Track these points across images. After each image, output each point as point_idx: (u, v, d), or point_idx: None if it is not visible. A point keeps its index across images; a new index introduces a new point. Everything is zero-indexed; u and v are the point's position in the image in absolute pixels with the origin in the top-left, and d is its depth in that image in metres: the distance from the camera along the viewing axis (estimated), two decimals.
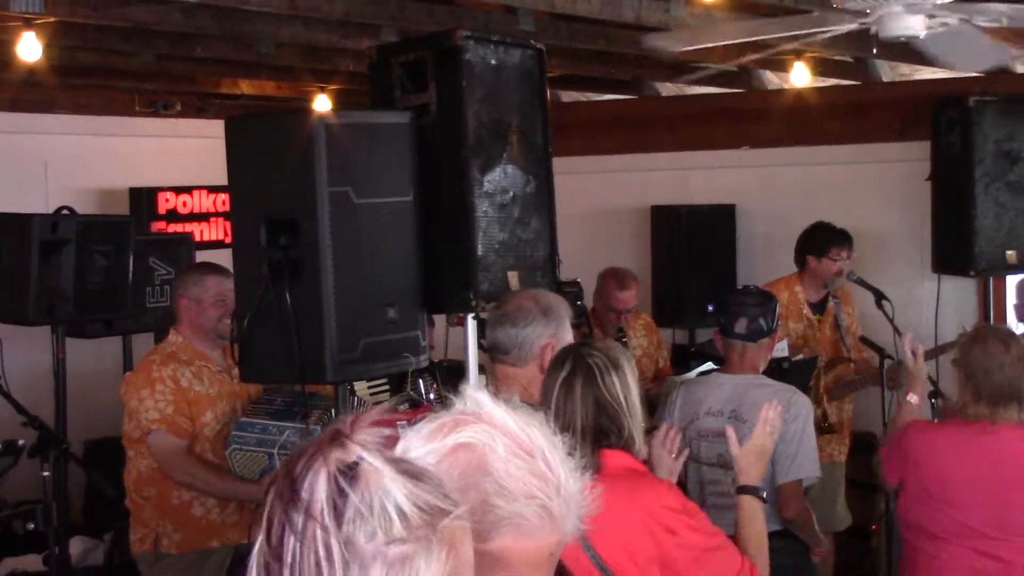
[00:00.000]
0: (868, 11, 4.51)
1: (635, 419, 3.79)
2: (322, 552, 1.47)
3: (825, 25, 5.01)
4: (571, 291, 6.50)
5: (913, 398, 5.38)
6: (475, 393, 1.88)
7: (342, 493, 1.49)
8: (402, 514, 1.49)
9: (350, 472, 1.50)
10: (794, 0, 6.09)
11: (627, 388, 3.79)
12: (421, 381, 5.92)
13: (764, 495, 4.16)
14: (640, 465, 3.81)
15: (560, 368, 3.82)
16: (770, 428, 4.25)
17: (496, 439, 1.80)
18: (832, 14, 4.83)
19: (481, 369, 5.29)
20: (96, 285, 6.87)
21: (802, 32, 5.22)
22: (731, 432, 4.30)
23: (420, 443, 1.82)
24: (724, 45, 6.18)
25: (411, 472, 1.53)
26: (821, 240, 7.96)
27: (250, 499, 5.46)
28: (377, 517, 1.48)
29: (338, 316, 4.74)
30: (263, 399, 5.60)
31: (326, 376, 4.84)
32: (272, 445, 5.28)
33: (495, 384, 4.38)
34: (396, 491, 1.49)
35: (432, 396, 5.91)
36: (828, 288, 7.77)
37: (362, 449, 1.52)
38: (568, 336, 4.34)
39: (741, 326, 5.24)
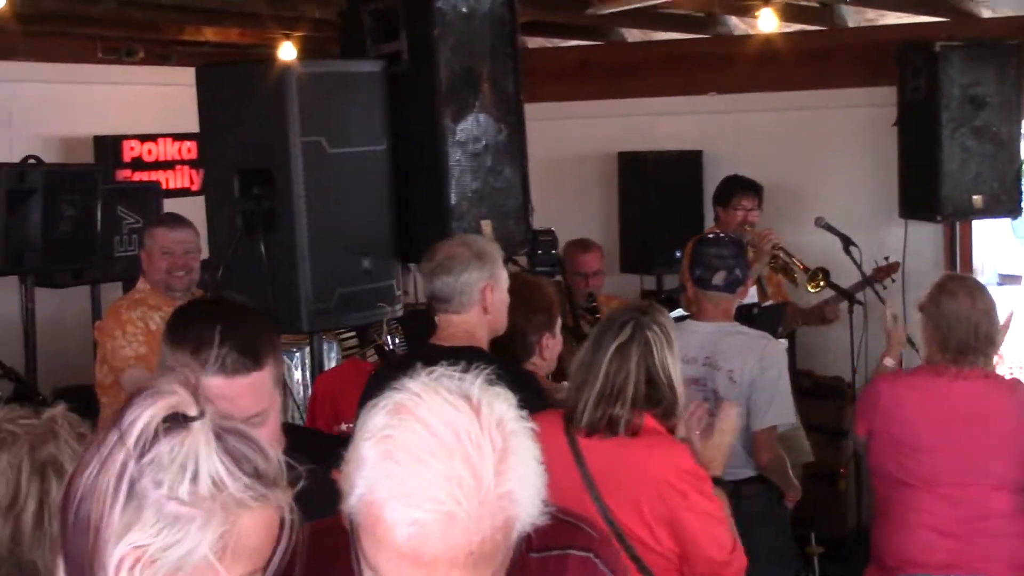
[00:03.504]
0: None
1: (677, 395, 3.89)
2: (113, 479, 1.53)
3: None
4: (545, 239, 6.51)
5: (889, 361, 5.44)
6: (413, 381, 1.83)
7: (156, 436, 1.54)
8: (195, 480, 1.53)
9: (175, 423, 1.55)
10: None
11: (676, 367, 3.90)
12: (387, 327, 5.92)
13: (727, 485, 4.24)
14: (659, 426, 3.87)
15: (618, 331, 3.89)
16: (728, 427, 4.29)
17: (412, 435, 1.76)
18: None
19: None
20: (64, 234, 6.85)
21: None
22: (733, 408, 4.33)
23: (370, 420, 1.82)
24: None
25: (232, 452, 1.57)
26: (726, 190, 8.02)
27: None
28: (172, 472, 1.53)
29: (313, 266, 4.74)
30: None
31: (302, 326, 4.85)
32: None
33: (438, 334, 4.39)
34: (203, 459, 1.53)
35: (398, 340, 5.92)
36: (746, 240, 7.64)
37: (197, 408, 1.57)
38: (503, 275, 4.39)
39: (719, 279, 5.23)
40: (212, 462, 1.54)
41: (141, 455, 1.53)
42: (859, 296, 7.67)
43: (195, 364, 2.76)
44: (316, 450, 2.92)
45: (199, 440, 1.54)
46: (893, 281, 7.87)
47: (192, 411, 1.56)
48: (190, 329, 2.83)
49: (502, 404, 1.83)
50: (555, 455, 3.80)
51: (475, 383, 1.84)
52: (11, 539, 2.24)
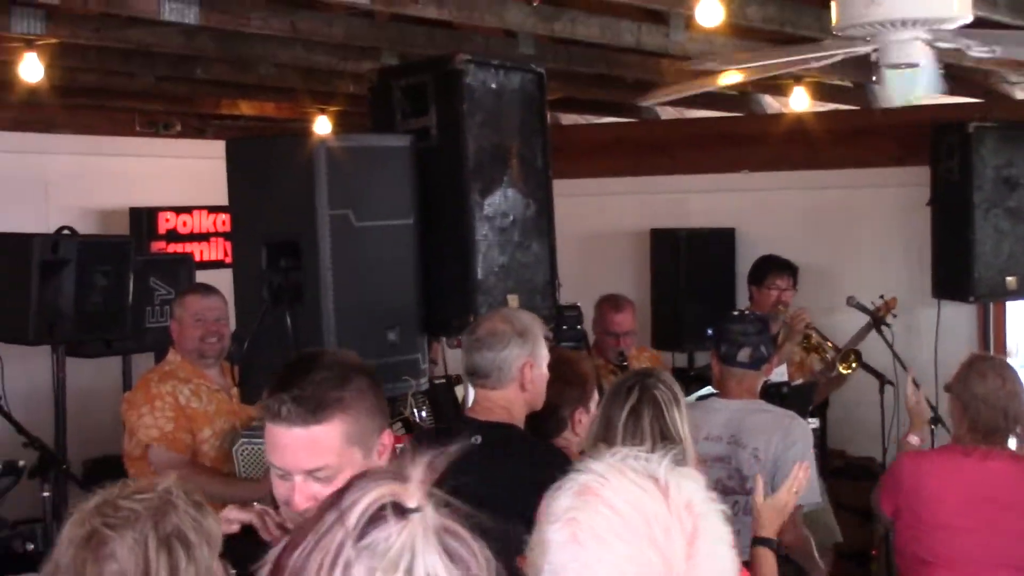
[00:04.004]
0: (869, 38, 4.52)
1: (689, 454, 3.91)
2: (328, 560, 1.46)
3: (826, 51, 5.02)
4: (571, 315, 6.50)
5: (914, 439, 5.41)
6: (597, 462, 1.77)
7: (374, 522, 1.47)
8: (409, 573, 1.45)
9: (396, 511, 1.48)
10: (794, 25, 6.10)
11: (685, 423, 3.90)
12: (414, 400, 5.91)
13: (777, 546, 4.23)
14: None
15: (627, 396, 3.91)
16: (796, 487, 4.32)
17: (598, 517, 1.70)
18: (833, 41, 4.83)
19: None
20: (96, 305, 6.88)
21: (803, 58, 5.23)
22: (759, 481, 4.37)
23: (554, 502, 1.76)
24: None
25: (449, 550, 1.49)
26: (761, 269, 8.01)
27: (256, 497, 5.44)
28: (386, 562, 1.45)
29: (339, 339, 4.74)
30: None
31: None
32: None
33: (474, 407, 4.40)
34: (420, 553, 1.46)
35: (424, 414, 5.91)
36: (779, 320, 7.65)
37: (424, 501, 1.50)
38: (544, 352, 4.37)
39: (744, 355, 5.23)
40: (429, 557, 1.46)
41: (358, 539, 1.46)
42: (891, 377, 7.63)
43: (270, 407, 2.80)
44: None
45: (417, 532, 1.47)
46: (895, 316, 7.83)
47: (412, 503, 1.49)
48: (276, 378, 2.87)
49: (690, 485, 1.76)
50: None
51: (662, 464, 1.76)
52: None
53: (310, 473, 2.80)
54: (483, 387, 4.32)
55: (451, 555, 1.49)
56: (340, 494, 1.52)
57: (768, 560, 4.19)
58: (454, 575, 1.48)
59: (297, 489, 2.81)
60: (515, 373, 4.26)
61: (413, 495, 1.49)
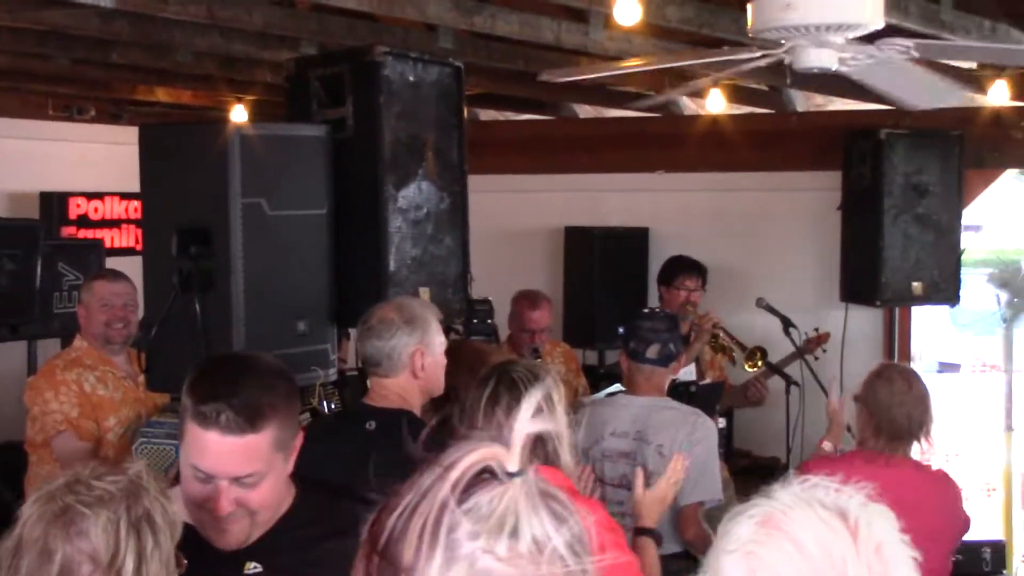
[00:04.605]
0: (782, 42, 4.57)
1: (560, 436, 3.89)
2: (431, 519, 1.41)
3: (739, 56, 5.06)
4: (482, 309, 6.52)
5: (827, 445, 5.46)
6: (785, 491, 1.68)
7: (477, 483, 1.42)
8: (514, 536, 1.39)
9: (500, 475, 1.43)
10: (712, 27, 6.15)
11: (558, 404, 3.90)
12: (323, 391, 5.90)
13: (660, 536, 4.29)
14: (568, 482, 3.89)
15: (484, 385, 3.90)
16: (675, 479, 4.37)
17: (780, 554, 1.63)
18: (746, 46, 4.88)
19: None
20: (3, 289, 6.80)
21: (716, 61, 5.28)
22: (639, 474, 4.41)
23: (735, 528, 1.68)
24: (648, 71, 6.22)
25: (556, 513, 1.43)
26: (670, 270, 8.07)
27: None
28: (490, 524, 1.40)
29: (247, 327, 4.72)
30: (170, 408, 5.58)
31: None
32: (179, 438, 5.14)
33: (370, 394, 4.44)
34: (524, 516, 1.41)
35: (333, 406, 5.90)
36: (688, 320, 7.68)
37: (523, 466, 1.44)
38: (437, 340, 4.41)
39: (653, 352, 5.27)
40: (534, 519, 1.40)
41: (460, 500, 1.40)
42: (796, 377, 7.72)
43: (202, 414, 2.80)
44: (330, 509, 2.93)
45: (519, 495, 1.40)
46: (824, 351, 7.93)
47: (513, 467, 1.43)
48: (202, 380, 2.87)
49: (882, 524, 1.68)
50: None
51: (853, 498, 1.69)
52: None
53: (239, 480, 2.83)
54: (376, 375, 4.38)
55: (556, 517, 1.43)
56: (439, 456, 1.46)
57: (650, 550, 4.26)
58: (562, 536, 1.41)
59: (223, 493, 2.84)
60: (406, 361, 4.32)
61: (514, 459, 1.44)
